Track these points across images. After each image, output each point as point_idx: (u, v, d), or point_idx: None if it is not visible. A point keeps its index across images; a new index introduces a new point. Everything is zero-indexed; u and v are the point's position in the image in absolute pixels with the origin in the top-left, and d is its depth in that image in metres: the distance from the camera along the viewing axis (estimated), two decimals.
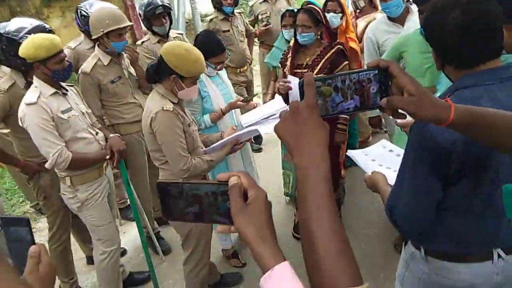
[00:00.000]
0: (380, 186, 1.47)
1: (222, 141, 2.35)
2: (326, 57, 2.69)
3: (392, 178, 1.41)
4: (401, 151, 1.88)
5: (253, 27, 4.56)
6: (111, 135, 2.54)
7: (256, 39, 4.78)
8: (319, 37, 2.73)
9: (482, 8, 1.12)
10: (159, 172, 2.33)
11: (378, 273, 2.73)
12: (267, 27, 4.39)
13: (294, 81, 2.65)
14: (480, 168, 1.21)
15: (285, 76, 2.83)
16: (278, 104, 2.61)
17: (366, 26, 3.52)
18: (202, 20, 7.24)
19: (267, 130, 2.37)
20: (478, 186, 1.23)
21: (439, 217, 1.29)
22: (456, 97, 1.20)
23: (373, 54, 3.03)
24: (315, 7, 2.69)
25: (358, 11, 4.05)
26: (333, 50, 2.69)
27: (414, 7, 2.90)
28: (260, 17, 4.51)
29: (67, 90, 2.40)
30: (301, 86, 0.77)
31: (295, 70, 2.76)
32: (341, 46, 2.74)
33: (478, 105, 1.06)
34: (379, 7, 3.90)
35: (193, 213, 0.71)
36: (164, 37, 3.42)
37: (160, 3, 3.26)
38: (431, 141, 1.18)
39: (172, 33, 3.54)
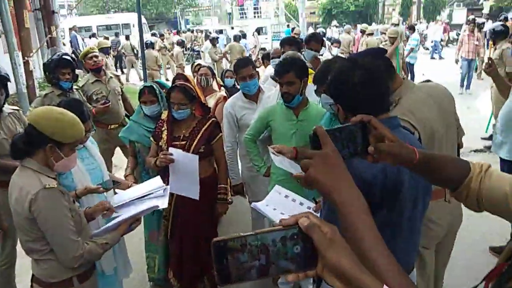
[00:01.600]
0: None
1: (116, 220, 2.09)
2: (203, 130, 2.83)
3: None
4: (294, 196, 2.14)
5: None
6: None
7: None
8: (193, 111, 2.86)
9: (378, 69, 1.50)
10: (35, 266, 1.89)
11: None
12: (106, 105, 4.26)
13: (176, 153, 2.66)
14: (395, 194, 1.47)
15: (161, 149, 2.81)
16: (154, 183, 2.49)
17: (216, 103, 3.90)
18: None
19: (164, 205, 2.27)
20: (391, 214, 1.49)
21: None
22: None
23: (233, 126, 3.34)
24: (188, 84, 2.82)
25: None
26: (208, 123, 2.85)
27: (265, 88, 3.40)
28: (94, 97, 4.38)
29: None
30: (313, 136, 0.89)
31: (173, 142, 2.79)
32: (215, 119, 2.93)
33: None
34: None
35: (258, 268, 0.67)
36: None
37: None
38: (356, 178, 1.41)
39: (7, 108, 3.07)
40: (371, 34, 11.46)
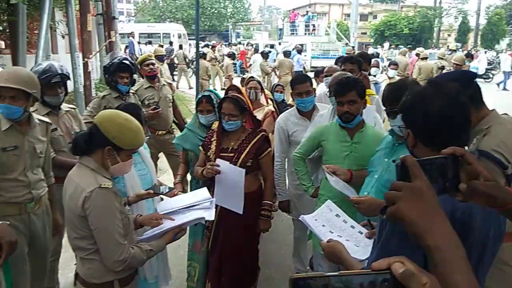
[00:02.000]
0: (344, 257, 1.49)
1: (162, 228, 2.06)
2: (252, 143, 2.77)
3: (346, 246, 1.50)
4: (345, 217, 2.01)
5: None
6: None
7: None
8: (244, 123, 2.81)
9: (462, 98, 1.34)
10: (80, 265, 1.88)
11: None
12: (157, 111, 4.35)
13: (223, 165, 2.64)
14: (463, 236, 1.35)
15: (208, 159, 2.78)
16: (201, 194, 2.44)
17: (264, 118, 3.85)
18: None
19: (211, 217, 2.23)
20: None
21: None
22: None
23: (283, 141, 3.28)
24: (241, 96, 2.80)
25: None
26: (258, 137, 2.79)
27: (320, 106, 3.31)
28: (146, 102, 4.48)
29: None
30: (401, 167, 0.80)
31: (221, 154, 2.75)
32: (265, 133, 2.86)
33: None
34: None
35: None
36: (55, 109, 3.04)
37: (59, 71, 2.94)
38: None
39: (64, 106, 3.18)
40: (425, 58, 11.06)
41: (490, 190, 0.91)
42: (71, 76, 4.87)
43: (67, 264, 3.34)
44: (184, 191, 3.18)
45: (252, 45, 21.33)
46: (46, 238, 2.70)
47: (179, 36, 24.60)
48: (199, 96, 3.15)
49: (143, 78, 4.76)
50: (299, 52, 15.13)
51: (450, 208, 1.25)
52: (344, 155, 2.62)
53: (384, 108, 2.35)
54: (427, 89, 1.41)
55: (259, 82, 4.25)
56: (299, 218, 2.00)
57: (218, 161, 2.65)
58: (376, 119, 3.13)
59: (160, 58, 9.24)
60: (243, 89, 3.72)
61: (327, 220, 2.00)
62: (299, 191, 3.19)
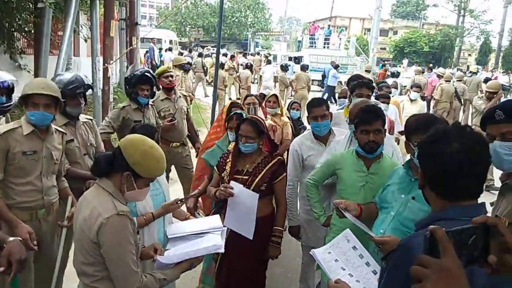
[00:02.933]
0: None
1: (179, 256, 2.02)
2: (267, 167, 2.73)
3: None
4: (362, 251, 1.92)
5: None
6: (11, 238, 1.98)
7: None
8: (260, 146, 2.78)
9: (480, 152, 1.24)
10: None
11: None
12: (173, 122, 4.36)
13: (236, 188, 2.62)
14: None
15: (222, 181, 2.76)
16: (213, 222, 2.39)
17: None
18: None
19: (221, 249, 2.17)
20: None
21: None
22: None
23: (297, 165, 3.22)
24: (259, 118, 2.79)
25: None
26: (274, 161, 2.76)
27: (336, 131, 3.26)
28: (162, 113, 4.50)
29: None
30: (429, 239, 0.76)
31: (235, 176, 2.73)
32: (281, 158, 2.83)
33: None
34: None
35: None
36: (72, 120, 3.05)
37: (85, 82, 2.96)
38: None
39: (82, 117, 3.20)
40: (448, 80, 10.67)
41: None
42: (90, 80, 4.95)
43: (73, 276, 3.32)
44: (194, 207, 3.16)
45: (266, 56, 21.17)
46: (53, 247, 2.70)
47: (170, 42, 25.27)
48: (231, 114, 3.16)
49: (158, 90, 4.77)
50: (336, 67, 14.91)
51: None
52: (359, 186, 2.56)
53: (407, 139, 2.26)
54: (448, 131, 1.30)
55: (256, 97, 4.36)
56: (310, 253, 1.93)
57: (232, 183, 2.63)
58: (394, 147, 3.07)
59: (182, 67, 9.10)
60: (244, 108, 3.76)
61: (342, 254, 1.91)
62: (310, 216, 3.13)
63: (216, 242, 2.13)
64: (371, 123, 2.45)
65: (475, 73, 13.47)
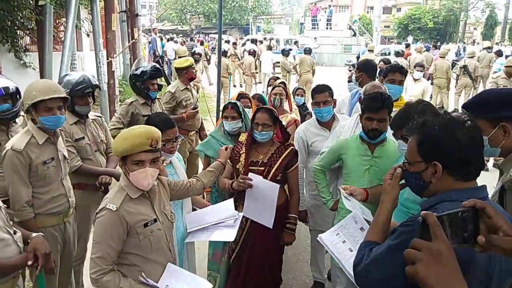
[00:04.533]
0: None
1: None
2: (282, 157, 2.76)
3: None
4: None
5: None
6: (34, 234, 2.04)
7: None
8: (274, 135, 2.80)
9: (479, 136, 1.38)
10: None
11: None
12: (196, 110, 4.51)
13: (255, 179, 2.64)
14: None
15: (237, 173, 2.79)
16: (227, 210, 2.52)
17: (286, 126, 3.84)
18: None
19: (232, 238, 2.39)
20: None
21: None
22: (442, 208, 1.32)
23: (303, 151, 3.28)
24: (271, 107, 2.83)
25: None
26: (288, 151, 2.79)
27: (340, 116, 3.31)
28: (184, 103, 4.61)
29: None
30: (421, 224, 0.82)
31: (250, 167, 2.75)
32: (294, 147, 2.87)
33: None
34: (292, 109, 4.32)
35: None
36: (82, 118, 3.12)
37: (92, 83, 3.02)
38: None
39: (91, 114, 3.27)
40: (442, 56, 10.60)
41: (508, 245, 0.92)
42: (95, 76, 4.99)
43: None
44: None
45: (272, 39, 20.82)
46: (73, 244, 2.81)
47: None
48: (226, 103, 3.18)
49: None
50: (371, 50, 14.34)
51: None
52: (364, 169, 2.62)
53: (392, 130, 2.35)
54: (445, 119, 1.40)
55: (284, 88, 4.25)
56: (317, 238, 2.00)
57: (251, 175, 2.65)
58: None
59: (192, 57, 9.17)
60: (253, 102, 3.77)
61: (350, 235, 1.94)
62: (316, 201, 3.21)
63: (227, 235, 2.31)
64: (377, 112, 2.50)
65: (489, 48, 13.14)
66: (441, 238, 0.78)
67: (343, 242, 1.94)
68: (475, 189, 1.38)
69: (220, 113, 3.43)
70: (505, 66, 7.21)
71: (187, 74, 4.69)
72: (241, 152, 2.83)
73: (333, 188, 3.03)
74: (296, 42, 20.41)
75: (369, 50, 12.50)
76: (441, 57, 10.64)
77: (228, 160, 2.85)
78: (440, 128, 1.40)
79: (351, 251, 1.89)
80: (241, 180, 2.65)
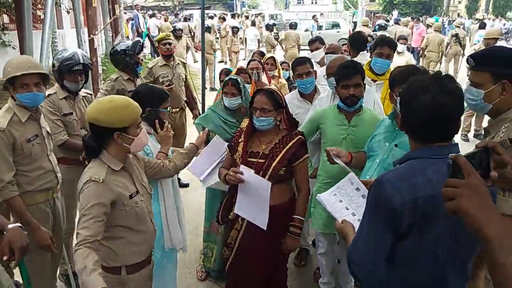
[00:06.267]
0: (349, 238, 1.61)
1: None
2: (286, 148, 2.41)
3: (356, 226, 1.59)
4: (365, 191, 2.02)
5: None
6: (10, 225, 1.90)
7: None
8: (278, 123, 2.46)
9: (447, 103, 1.38)
10: None
11: None
12: (171, 87, 4.50)
13: (246, 173, 2.33)
14: (426, 226, 1.40)
15: (234, 164, 2.48)
16: (219, 149, 2.81)
17: None
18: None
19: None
20: (423, 243, 1.41)
21: (392, 270, 1.44)
22: (408, 165, 1.46)
23: None
24: (276, 90, 2.54)
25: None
26: (294, 141, 2.43)
27: (321, 87, 3.40)
28: (160, 79, 4.63)
29: None
30: (452, 165, 0.93)
31: (249, 159, 2.43)
32: (302, 137, 2.48)
33: (425, 175, 1.36)
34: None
35: None
36: (72, 94, 3.13)
37: (81, 61, 3.02)
38: (386, 203, 1.38)
39: (82, 91, 3.28)
40: (437, 30, 10.81)
41: None
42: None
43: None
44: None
45: (247, 16, 20.37)
46: (62, 218, 2.88)
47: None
48: (226, 78, 3.08)
49: (157, 56, 4.86)
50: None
51: (413, 196, 1.36)
52: (341, 138, 2.73)
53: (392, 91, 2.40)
54: (424, 79, 1.46)
55: (259, 62, 4.28)
56: (316, 198, 2.09)
57: (242, 168, 2.33)
58: (376, 100, 3.21)
59: (173, 33, 8.96)
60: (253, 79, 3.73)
61: (346, 195, 2.03)
62: None
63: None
64: (351, 78, 2.60)
65: (481, 20, 13.35)
66: (473, 174, 0.88)
67: (340, 202, 2.01)
68: (443, 147, 1.42)
69: (208, 88, 3.46)
70: (484, 38, 7.34)
71: (159, 49, 4.72)
72: (240, 140, 2.51)
73: (315, 159, 3.14)
74: (314, 16, 20.17)
75: (363, 25, 12.47)
76: (435, 30, 10.83)
77: (227, 149, 2.64)
78: (404, 94, 1.49)
79: (347, 209, 1.97)
80: (231, 173, 2.34)
